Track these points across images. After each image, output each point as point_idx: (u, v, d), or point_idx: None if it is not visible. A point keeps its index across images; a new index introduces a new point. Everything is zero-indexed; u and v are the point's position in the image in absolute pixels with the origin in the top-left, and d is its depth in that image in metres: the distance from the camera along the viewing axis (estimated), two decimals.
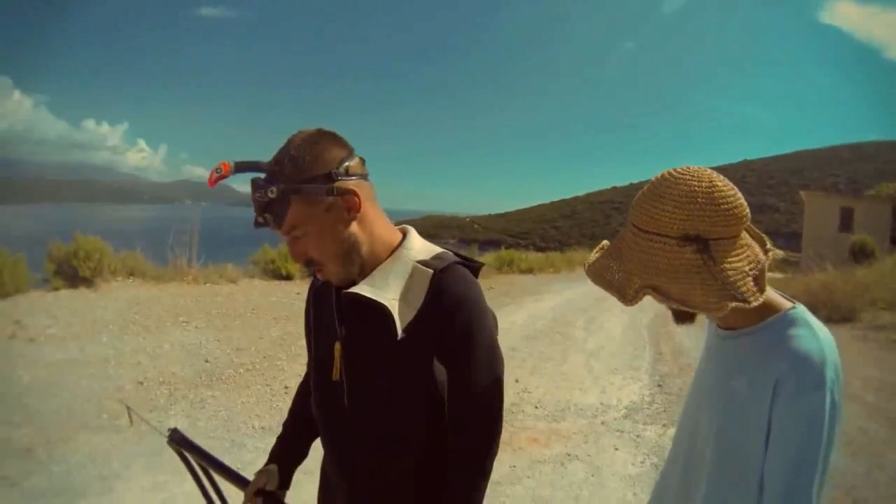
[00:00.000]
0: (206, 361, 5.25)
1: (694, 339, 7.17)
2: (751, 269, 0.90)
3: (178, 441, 1.27)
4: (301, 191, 0.97)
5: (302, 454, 1.33)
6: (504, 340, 5.47)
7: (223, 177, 1.00)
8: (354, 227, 1.03)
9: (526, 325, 8.17)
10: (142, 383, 4.56)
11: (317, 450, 1.27)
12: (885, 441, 4.17)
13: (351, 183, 1.01)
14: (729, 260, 0.89)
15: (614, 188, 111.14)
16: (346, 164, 1.01)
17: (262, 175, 0.99)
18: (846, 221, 23.01)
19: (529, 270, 15.86)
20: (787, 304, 0.98)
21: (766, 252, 0.97)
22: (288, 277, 9.35)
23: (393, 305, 1.03)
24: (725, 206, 0.88)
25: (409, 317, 1.03)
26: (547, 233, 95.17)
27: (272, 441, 1.36)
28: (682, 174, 0.91)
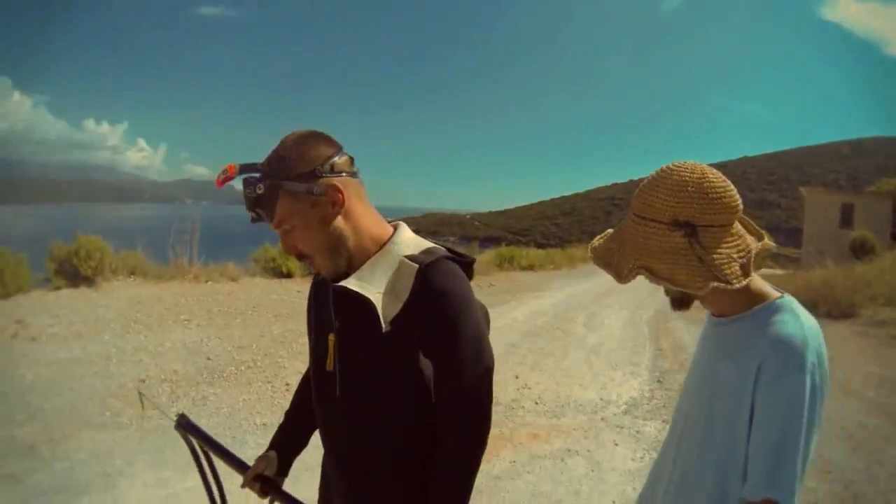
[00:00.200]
0: (208, 359, 5.27)
1: (694, 335, 7.18)
2: (739, 257, 0.97)
3: (185, 426, 1.33)
4: (286, 187, 1.03)
5: (301, 443, 1.37)
6: (505, 337, 5.49)
7: (229, 178, 1.07)
8: (340, 221, 1.08)
9: (526, 322, 8.18)
10: (144, 381, 4.58)
11: (318, 447, 1.28)
12: (885, 436, 4.18)
13: (335, 179, 1.06)
14: (717, 246, 0.96)
15: (615, 185, 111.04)
16: (332, 161, 1.07)
17: (256, 174, 1.06)
18: (846, 217, 22.98)
19: (530, 267, 15.86)
20: (776, 294, 1.04)
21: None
22: (288, 275, 9.36)
23: (377, 299, 1.05)
24: (714, 196, 0.96)
25: (395, 310, 1.05)
26: (547, 230, 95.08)
27: None
28: (677, 167, 1.00)
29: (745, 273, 0.96)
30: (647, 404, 4.81)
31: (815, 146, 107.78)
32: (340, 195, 1.06)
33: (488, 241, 45.20)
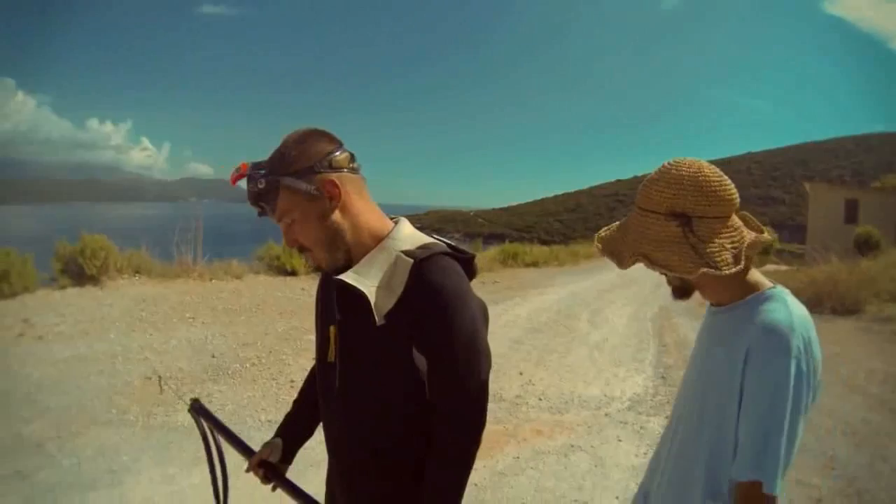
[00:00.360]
0: (213, 357, 5.30)
1: (698, 331, 7.17)
2: (732, 247, 1.03)
3: (198, 410, 1.42)
4: (285, 182, 1.08)
5: (307, 433, 1.39)
6: (508, 333, 5.50)
7: (242, 175, 1.11)
8: (337, 215, 1.11)
9: (530, 318, 8.19)
10: (149, 378, 4.61)
11: (324, 442, 1.29)
12: (888, 433, 4.18)
13: (333, 175, 1.09)
14: (711, 235, 1.03)
15: (618, 181, 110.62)
16: (331, 158, 1.10)
17: (261, 170, 1.11)
18: (851, 213, 22.86)
19: (534, 264, 15.84)
20: (769, 284, 1.10)
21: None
22: (292, 273, 9.39)
23: (371, 292, 1.06)
24: (708, 189, 1.03)
25: (390, 304, 1.06)
26: (551, 226, 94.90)
27: None
28: (676, 163, 1.07)
29: (737, 262, 1.01)
30: (651, 400, 4.81)
31: (819, 142, 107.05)
32: (337, 190, 1.09)
33: (492, 238, 45.18)
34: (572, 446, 3.83)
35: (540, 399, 4.77)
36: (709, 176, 1.04)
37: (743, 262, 1.02)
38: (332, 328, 1.15)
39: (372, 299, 1.06)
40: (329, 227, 1.11)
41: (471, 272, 1.18)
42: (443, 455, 1.08)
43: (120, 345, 5.33)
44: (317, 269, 1.19)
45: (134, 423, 3.84)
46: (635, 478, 3.39)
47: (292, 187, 1.08)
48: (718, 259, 1.01)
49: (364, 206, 1.15)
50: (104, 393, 4.27)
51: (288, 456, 1.36)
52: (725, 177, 1.06)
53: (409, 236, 1.15)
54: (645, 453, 3.73)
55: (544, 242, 30.22)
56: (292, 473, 1.35)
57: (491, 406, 4.26)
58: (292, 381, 4.81)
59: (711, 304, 1.19)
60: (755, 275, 1.11)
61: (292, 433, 1.38)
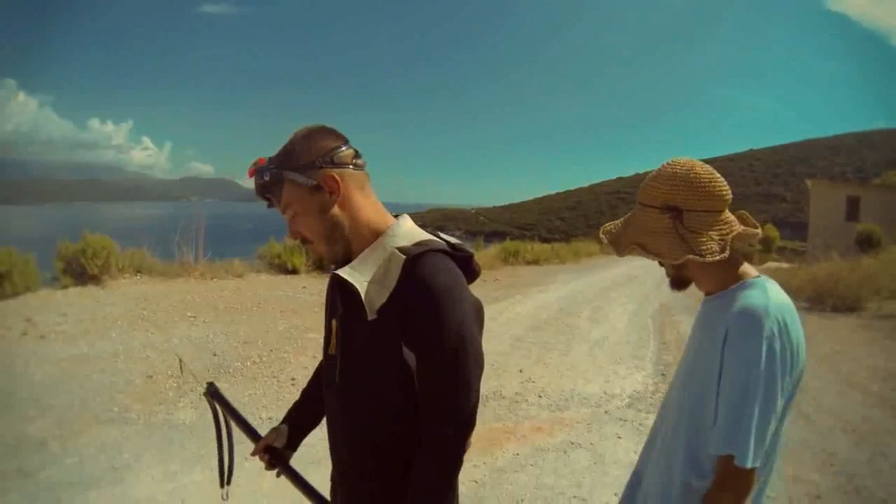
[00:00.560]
0: (214, 355, 5.32)
1: None
2: (719, 238, 1.13)
3: (212, 394, 1.50)
4: (288, 176, 1.12)
5: (313, 421, 1.42)
6: (509, 331, 5.50)
7: (257, 170, 1.17)
8: (337, 210, 1.14)
9: (531, 316, 8.20)
10: (151, 377, 4.63)
11: (325, 439, 1.28)
12: (888, 430, 4.19)
13: (335, 170, 1.12)
14: (700, 227, 1.13)
15: (619, 178, 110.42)
16: (334, 154, 1.13)
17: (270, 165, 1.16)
18: (852, 210, 22.81)
19: (535, 262, 15.86)
20: (754, 274, 1.20)
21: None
22: (294, 271, 9.40)
23: (363, 287, 1.08)
24: (699, 185, 1.14)
25: (382, 300, 1.07)
26: (552, 224, 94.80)
27: None
28: (673, 162, 1.19)
29: (721, 251, 1.11)
30: (651, 397, 4.82)
31: (821, 139, 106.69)
32: (337, 185, 1.12)
33: (493, 236, 45.15)
34: (572, 443, 3.84)
35: (540, 396, 4.78)
36: (700, 173, 1.14)
37: (727, 252, 1.11)
38: (333, 321, 1.18)
39: (363, 294, 1.07)
40: (328, 221, 1.14)
41: (470, 271, 1.17)
42: (429, 450, 1.07)
43: (121, 344, 5.35)
44: (317, 261, 1.22)
45: (136, 422, 3.86)
46: None
47: (295, 181, 1.12)
48: (704, 248, 1.11)
49: (365, 201, 1.17)
50: (106, 391, 4.29)
51: (293, 443, 1.41)
52: (717, 175, 1.16)
53: (407, 232, 1.15)
54: None
55: (545, 240, 30.22)
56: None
57: (491, 403, 4.28)
58: (293, 379, 4.83)
59: (705, 295, 1.27)
60: (745, 267, 1.20)
61: (298, 421, 1.42)
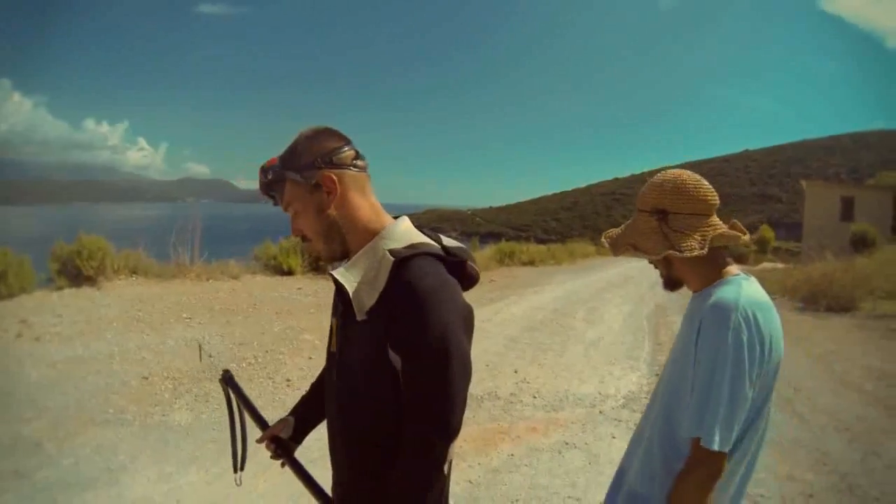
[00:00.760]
0: (210, 356, 5.32)
1: None
2: (700, 237, 1.23)
3: (227, 381, 1.55)
4: (288, 175, 1.16)
5: (318, 414, 1.42)
6: (504, 331, 5.51)
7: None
8: (334, 209, 1.16)
9: (526, 317, 8.21)
10: (146, 378, 4.63)
11: (321, 439, 1.30)
12: (882, 429, 4.22)
13: (333, 171, 1.15)
14: (684, 228, 1.24)
15: (616, 179, 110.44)
16: (335, 155, 1.15)
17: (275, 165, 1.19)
18: (847, 211, 22.94)
19: (531, 262, 15.87)
20: (735, 272, 1.28)
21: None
22: (289, 273, 9.39)
23: (352, 288, 1.09)
24: (685, 190, 1.26)
25: (372, 301, 1.08)
26: (548, 225, 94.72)
27: None
28: (664, 172, 1.32)
29: (700, 248, 1.21)
30: (646, 398, 4.82)
31: (816, 139, 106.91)
32: (334, 185, 1.14)
33: (489, 237, 45.18)
34: (567, 444, 3.85)
35: (535, 397, 4.80)
36: (686, 180, 1.27)
37: (706, 249, 1.21)
38: (334, 319, 1.21)
39: (350, 294, 1.09)
40: (326, 220, 1.16)
41: (466, 276, 1.17)
42: (409, 452, 1.05)
43: (117, 345, 5.34)
44: (313, 262, 1.24)
45: (131, 423, 3.86)
46: None
47: (295, 180, 1.15)
48: (684, 245, 1.22)
49: (363, 202, 1.18)
50: (101, 393, 4.29)
51: (298, 435, 1.44)
52: (704, 181, 1.28)
53: (401, 235, 1.15)
54: None
55: (541, 241, 30.20)
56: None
57: (486, 404, 4.29)
58: (288, 381, 4.83)
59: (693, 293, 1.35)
60: (730, 267, 1.29)
61: (304, 414, 1.46)
